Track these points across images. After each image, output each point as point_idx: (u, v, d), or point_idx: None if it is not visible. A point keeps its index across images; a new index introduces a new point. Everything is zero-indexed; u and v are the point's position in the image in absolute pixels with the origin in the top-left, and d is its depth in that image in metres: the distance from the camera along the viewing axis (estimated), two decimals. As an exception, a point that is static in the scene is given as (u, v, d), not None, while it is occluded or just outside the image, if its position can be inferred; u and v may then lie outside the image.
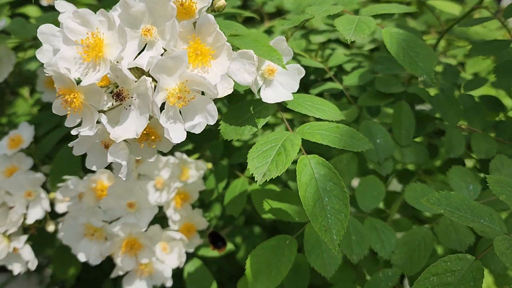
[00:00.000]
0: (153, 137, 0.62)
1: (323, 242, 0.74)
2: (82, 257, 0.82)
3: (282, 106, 0.74)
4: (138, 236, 0.81)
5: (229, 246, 1.02)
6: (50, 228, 0.94)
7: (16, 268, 0.95)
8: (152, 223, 0.86)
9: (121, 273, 0.85)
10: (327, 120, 0.71)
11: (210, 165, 1.01)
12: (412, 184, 0.82)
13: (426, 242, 0.77)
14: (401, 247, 0.78)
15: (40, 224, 0.98)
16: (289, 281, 0.79)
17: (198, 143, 1.09)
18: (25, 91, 1.52)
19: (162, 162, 0.90)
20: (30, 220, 0.91)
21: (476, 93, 1.02)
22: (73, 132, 0.57)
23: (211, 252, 1.00)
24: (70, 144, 0.60)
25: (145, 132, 0.58)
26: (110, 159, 0.56)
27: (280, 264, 0.74)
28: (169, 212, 0.90)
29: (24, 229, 0.97)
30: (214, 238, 0.93)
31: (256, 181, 0.62)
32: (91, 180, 0.87)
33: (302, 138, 0.66)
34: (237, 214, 0.94)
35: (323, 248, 0.74)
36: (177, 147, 1.01)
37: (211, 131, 0.94)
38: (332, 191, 0.62)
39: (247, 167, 0.64)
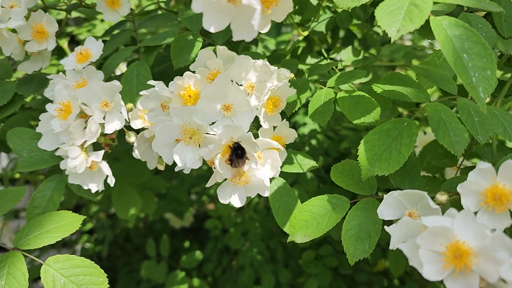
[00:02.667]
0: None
1: (447, 121, 0.69)
2: (178, 161, 0.75)
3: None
4: (239, 140, 0.74)
5: (312, 162, 0.95)
6: (132, 138, 0.88)
7: (93, 187, 0.89)
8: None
9: (218, 180, 0.78)
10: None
11: (292, 75, 0.94)
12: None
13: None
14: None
15: (113, 142, 0.92)
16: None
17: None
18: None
19: (250, 65, 0.84)
20: (108, 130, 0.85)
21: None
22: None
23: (295, 168, 0.94)
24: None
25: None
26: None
27: (401, 146, 0.68)
28: (260, 119, 0.83)
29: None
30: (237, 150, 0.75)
31: (389, 36, 0.56)
32: (177, 86, 0.81)
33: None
34: (324, 123, 0.88)
35: (448, 127, 0.69)
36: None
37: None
38: (471, 49, 0.57)
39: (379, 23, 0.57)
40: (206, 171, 2.19)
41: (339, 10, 1.17)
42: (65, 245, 2.40)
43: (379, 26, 0.58)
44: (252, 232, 2.06)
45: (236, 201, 0.80)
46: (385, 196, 0.67)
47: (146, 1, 1.33)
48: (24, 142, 1.01)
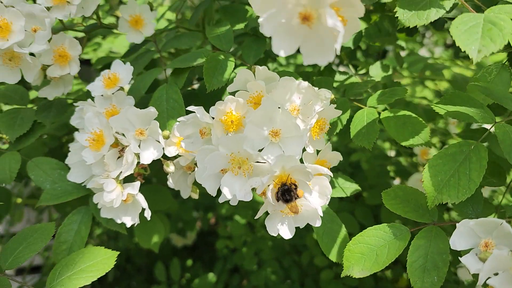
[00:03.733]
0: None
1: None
2: (227, 193, 0.70)
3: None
4: (292, 170, 0.69)
5: (354, 186, 0.91)
6: (170, 168, 0.82)
7: (127, 221, 0.83)
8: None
9: (270, 212, 0.73)
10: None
11: (333, 96, 0.90)
12: None
13: None
14: None
15: (145, 171, 0.86)
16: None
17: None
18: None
19: (294, 86, 0.79)
20: (145, 160, 0.79)
21: None
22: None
23: (337, 193, 0.90)
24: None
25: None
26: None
27: (470, 171, 0.64)
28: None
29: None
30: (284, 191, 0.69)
31: (471, 59, 0.53)
32: (219, 111, 0.76)
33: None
34: (370, 146, 0.84)
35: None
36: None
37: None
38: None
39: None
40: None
41: (364, 26, 1.14)
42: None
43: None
44: (264, 251, 2.00)
45: (286, 233, 0.75)
46: (457, 225, 0.63)
47: (164, 21, 1.28)
48: (46, 173, 0.96)
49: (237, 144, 0.69)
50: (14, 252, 0.77)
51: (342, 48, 1.16)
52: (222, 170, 0.73)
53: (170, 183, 0.86)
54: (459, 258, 0.61)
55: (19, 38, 0.83)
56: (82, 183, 0.90)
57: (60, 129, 1.21)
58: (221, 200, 0.74)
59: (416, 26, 1.11)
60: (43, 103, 1.03)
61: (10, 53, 0.86)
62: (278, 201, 0.68)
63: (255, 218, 0.74)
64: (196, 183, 0.93)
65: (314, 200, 0.77)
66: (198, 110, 0.77)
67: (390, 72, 1.12)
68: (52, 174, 0.96)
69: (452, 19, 1.07)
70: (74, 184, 0.95)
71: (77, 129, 0.90)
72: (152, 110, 0.80)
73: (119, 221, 0.84)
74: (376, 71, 1.12)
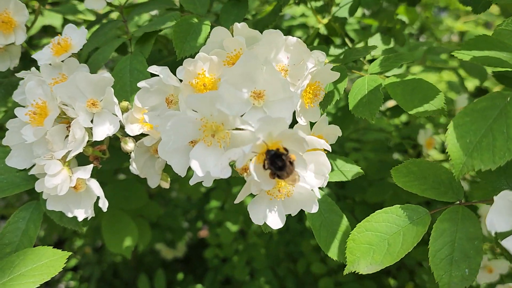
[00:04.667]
0: None
1: None
2: (198, 169, 0.54)
3: None
4: (282, 137, 0.54)
5: (356, 168, 0.76)
6: (129, 146, 0.67)
7: (80, 213, 0.68)
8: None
9: (254, 192, 0.58)
10: None
11: (327, 60, 0.75)
12: None
13: None
14: None
15: (104, 154, 0.71)
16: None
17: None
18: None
19: (281, 42, 0.65)
20: (98, 136, 0.64)
21: None
22: None
23: (336, 176, 0.75)
24: None
25: None
26: None
27: (508, 128, 0.49)
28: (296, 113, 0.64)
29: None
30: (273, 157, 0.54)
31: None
32: (188, 73, 0.61)
33: None
34: (372, 117, 0.69)
35: None
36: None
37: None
38: None
39: None
40: (202, 193, 1.98)
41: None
42: (47, 285, 2.14)
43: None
44: (257, 260, 1.84)
45: (275, 221, 0.60)
46: (495, 199, 0.48)
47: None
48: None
49: (209, 105, 0.54)
50: None
51: (337, 19, 1.02)
52: (191, 142, 0.58)
53: (133, 168, 0.71)
54: (499, 242, 0.46)
55: None
56: (29, 170, 0.74)
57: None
58: (192, 181, 0.59)
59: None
60: (-12, 83, 0.88)
61: None
62: (268, 172, 0.53)
63: (234, 202, 0.58)
64: (167, 170, 0.78)
65: (310, 181, 0.62)
66: (162, 70, 0.62)
67: (391, 45, 0.98)
68: (-5, 164, 0.80)
69: None
70: (23, 175, 0.80)
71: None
72: (107, 76, 0.65)
73: (70, 215, 0.68)
74: (376, 43, 0.98)
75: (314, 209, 0.59)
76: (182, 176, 0.59)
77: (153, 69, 0.62)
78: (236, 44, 0.65)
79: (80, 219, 0.68)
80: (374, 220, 0.59)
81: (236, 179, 1.74)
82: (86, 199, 0.68)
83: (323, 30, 1.09)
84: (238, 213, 1.83)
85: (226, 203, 1.85)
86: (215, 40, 0.69)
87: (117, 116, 0.66)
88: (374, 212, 0.60)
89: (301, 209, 0.62)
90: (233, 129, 0.56)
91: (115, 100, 0.65)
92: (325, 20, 1.01)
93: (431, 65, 1.57)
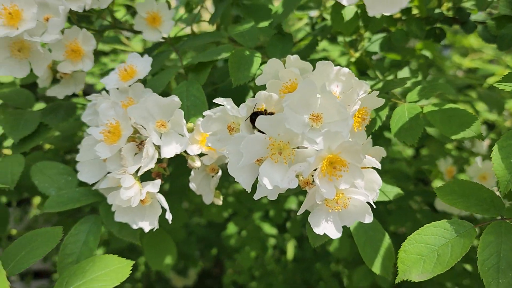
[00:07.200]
0: None
1: None
2: (268, 183, 0.60)
3: None
4: (341, 149, 0.60)
5: (396, 189, 0.82)
6: (197, 163, 0.73)
7: (145, 225, 0.73)
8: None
9: (319, 202, 0.63)
10: None
11: (370, 89, 0.82)
12: None
13: None
14: None
15: (165, 171, 0.77)
16: None
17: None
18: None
19: (332, 73, 0.72)
20: (166, 153, 0.71)
21: None
22: None
23: (379, 197, 0.81)
24: None
25: None
26: None
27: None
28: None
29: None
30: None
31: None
32: (249, 108, 0.68)
33: None
34: (414, 142, 0.76)
35: None
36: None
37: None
38: None
39: None
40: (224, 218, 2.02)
41: (393, 29, 1.08)
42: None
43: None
44: (276, 285, 1.86)
45: (332, 231, 0.66)
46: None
47: (178, 28, 1.23)
48: (52, 178, 0.87)
49: (277, 126, 0.61)
50: (16, 257, 0.67)
51: (367, 53, 1.10)
52: (257, 160, 0.64)
53: (193, 185, 0.77)
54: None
55: (30, 26, 0.76)
56: (92, 186, 0.80)
57: (65, 140, 1.13)
58: (257, 196, 0.65)
59: (444, 31, 1.07)
60: (50, 105, 0.95)
61: (20, 43, 0.79)
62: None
63: (298, 214, 0.65)
64: (219, 188, 0.84)
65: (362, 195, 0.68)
66: (227, 102, 0.69)
67: (419, 78, 1.06)
68: (58, 180, 0.87)
69: (483, 23, 1.03)
70: (82, 190, 0.86)
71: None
72: (175, 99, 0.72)
73: (135, 227, 0.74)
74: (404, 76, 1.06)
75: (368, 219, 0.65)
76: (248, 191, 0.65)
77: (219, 100, 0.69)
78: (291, 74, 0.72)
79: (146, 230, 0.73)
80: (423, 233, 0.64)
81: (258, 205, 1.79)
82: (150, 212, 0.74)
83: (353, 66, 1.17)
84: (256, 240, 1.87)
85: (244, 229, 1.89)
86: (269, 71, 0.76)
87: (183, 136, 0.72)
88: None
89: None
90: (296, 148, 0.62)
91: (184, 122, 0.71)
92: (357, 54, 1.09)
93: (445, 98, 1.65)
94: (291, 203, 1.72)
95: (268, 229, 1.91)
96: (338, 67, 0.72)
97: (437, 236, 0.63)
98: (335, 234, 0.65)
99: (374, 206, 0.64)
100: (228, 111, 0.69)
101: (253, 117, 0.65)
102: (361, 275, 1.39)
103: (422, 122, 0.77)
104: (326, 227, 0.65)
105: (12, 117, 0.89)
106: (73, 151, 1.26)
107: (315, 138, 0.63)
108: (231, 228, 1.93)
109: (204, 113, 0.71)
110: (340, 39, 1.19)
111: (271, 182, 0.61)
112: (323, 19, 1.27)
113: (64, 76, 0.89)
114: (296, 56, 0.75)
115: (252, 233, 1.86)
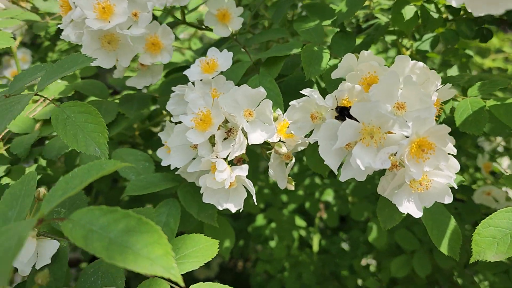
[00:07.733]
0: None
1: None
2: (360, 164, 0.66)
3: None
4: (428, 133, 0.66)
5: (459, 177, 0.87)
6: (283, 149, 0.79)
7: (231, 206, 0.79)
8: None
9: (407, 181, 0.69)
10: None
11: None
12: None
13: None
14: None
15: (245, 158, 0.83)
16: None
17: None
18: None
19: (408, 67, 0.78)
20: (254, 140, 0.76)
21: None
22: None
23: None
24: None
25: None
26: None
27: None
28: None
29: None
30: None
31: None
32: (335, 100, 0.73)
33: None
34: (480, 132, 0.81)
35: None
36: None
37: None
38: None
39: None
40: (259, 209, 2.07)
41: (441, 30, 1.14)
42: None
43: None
44: (306, 276, 1.92)
45: (414, 210, 0.71)
46: None
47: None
48: (131, 164, 0.92)
49: (370, 112, 0.66)
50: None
51: (418, 51, 1.15)
52: (346, 145, 0.70)
53: (271, 171, 0.83)
54: None
55: (121, 20, 0.82)
56: (175, 171, 0.86)
57: (128, 130, 1.19)
58: (343, 177, 0.71)
59: (491, 31, 1.12)
60: (124, 95, 1.01)
61: (110, 36, 0.85)
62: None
63: (384, 195, 0.70)
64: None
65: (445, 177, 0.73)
66: (313, 92, 0.74)
67: (470, 75, 1.11)
68: (137, 166, 0.92)
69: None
70: (159, 175, 0.92)
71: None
72: (262, 90, 0.78)
73: (220, 208, 0.79)
74: (454, 73, 1.11)
75: (448, 200, 0.71)
76: (336, 173, 0.71)
77: (306, 91, 0.75)
78: (370, 68, 0.78)
79: (233, 211, 0.79)
80: (496, 218, 0.70)
81: (293, 197, 1.85)
82: (234, 195, 0.80)
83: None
84: (289, 231, 1.93)
85: (274, 221, 1.95)
86: (345, 65, 0.82)
87: (269, 124, 0.78)
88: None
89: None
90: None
91: (271, 110, 0.77)
92: (408, 53, 1.14)
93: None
94: (327, 196, 1.77)
95: (299, 221, 1.97)
96: (414, 61, 0.78)
97: (510, 221, 0.69)
98: (417, 213, 0.71)
99: (456, 187, 0.69)
100: (316, 100, 0.74)
101: (337, 109, 0.72)
102: (399, 265, 1.45)
103: (487, 115, 0.83)
104: (409, 207, 0.71)
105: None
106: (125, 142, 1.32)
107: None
108: (260, 219, 1.99)
109: (290, 103, 0.77)
110: (387, 38, 1.24)
111: (363, 163, 0.66)
112: (367, 19, 1.33)
113: (141, 68, 0.95)
114: (370, 52, 0.81)
115: (285, 225, 1.92)
